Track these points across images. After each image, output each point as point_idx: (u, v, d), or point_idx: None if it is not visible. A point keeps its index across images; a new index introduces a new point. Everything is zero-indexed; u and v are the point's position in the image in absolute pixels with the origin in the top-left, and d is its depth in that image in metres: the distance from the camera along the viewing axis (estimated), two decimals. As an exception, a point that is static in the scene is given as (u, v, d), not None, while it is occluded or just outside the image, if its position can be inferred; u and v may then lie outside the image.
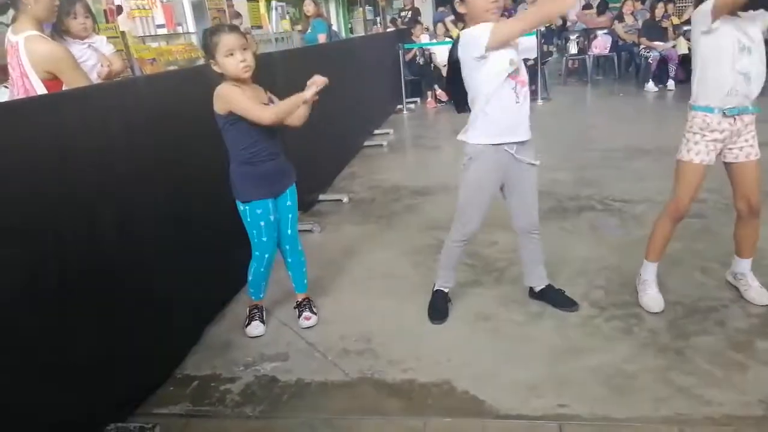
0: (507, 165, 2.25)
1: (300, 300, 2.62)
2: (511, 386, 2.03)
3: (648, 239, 2.47)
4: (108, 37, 4.64)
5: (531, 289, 2.58)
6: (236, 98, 2.12)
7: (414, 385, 2.08)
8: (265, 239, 2.39)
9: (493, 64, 2.10)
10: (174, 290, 2.31)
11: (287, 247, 2.52)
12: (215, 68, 2.17)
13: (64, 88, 2.43)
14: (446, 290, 2.57)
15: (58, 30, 3.03)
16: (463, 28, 2.21)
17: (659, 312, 2.38)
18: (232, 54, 2.11)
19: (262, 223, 2.35)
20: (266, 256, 2.43)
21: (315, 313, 2.58)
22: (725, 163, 2.29)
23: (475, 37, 2.07)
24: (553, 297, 2.51)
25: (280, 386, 2.15)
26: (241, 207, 2.34)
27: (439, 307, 2.53)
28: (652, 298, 2.43)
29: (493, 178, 2.29)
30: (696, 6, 2.18)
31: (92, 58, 3.08)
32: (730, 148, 2.24)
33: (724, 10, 2.01)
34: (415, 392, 2.05)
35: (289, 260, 2.57)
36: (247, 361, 2.32)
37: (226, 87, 2.15)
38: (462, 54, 2.16)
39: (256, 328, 2.50)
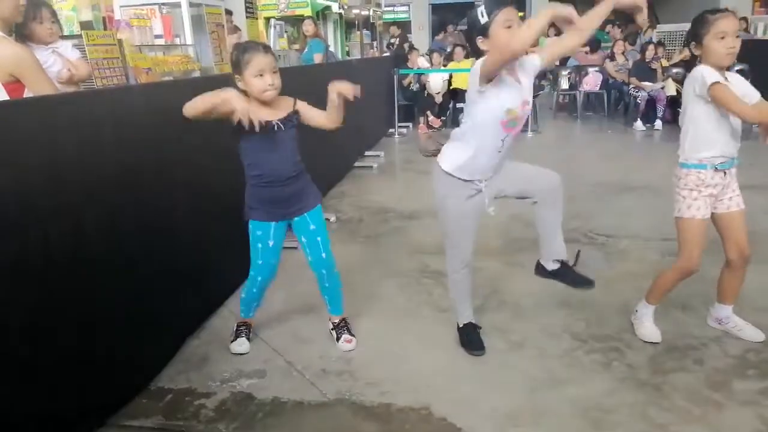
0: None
1: (337, 321, 2.53)
2: (489, 414, 2.02)
3: (652, 283, 2.46)
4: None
5: (540, 267, 2.42)
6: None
7: (392, 409, 2.06)
8: (260, 262, 2.32)
9: (487, 106, 2.01)
10: (154, 299, 2.27)
11: (323, 271, 2.40)
12: (239, 84, 2.11)
13: (26, 93, 2.31)
14: (473, 321, 2.48)
15: (21, 34, 2.89)
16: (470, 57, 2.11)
17: (657, 342, 2.39)
18: (261, 75, 2.07)
19: (260, 245, 2.29)
20: (259, 279, 2.36)
21: (354, 336, 2.50)
22: (713, 215, 2.30)
23: (476, 68, 1.99)
24: (566, 275, 2.38)
25: (255, 404, 2.12)
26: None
27: (473, 339, 2.44)
28: (650, 329, 2.44)
29: (472, 204, 2.23)
30: (692, 59, 2.20)
31: (57, 64, 2.98)
32: (720, 200, 2.28)
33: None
34: (392, 416, 2.03)
35: (326, 285, 2.45)
36: (224, 376, 2.29)
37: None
38: (470, 80, 2.05)
39: (241, 345, 2.45)
